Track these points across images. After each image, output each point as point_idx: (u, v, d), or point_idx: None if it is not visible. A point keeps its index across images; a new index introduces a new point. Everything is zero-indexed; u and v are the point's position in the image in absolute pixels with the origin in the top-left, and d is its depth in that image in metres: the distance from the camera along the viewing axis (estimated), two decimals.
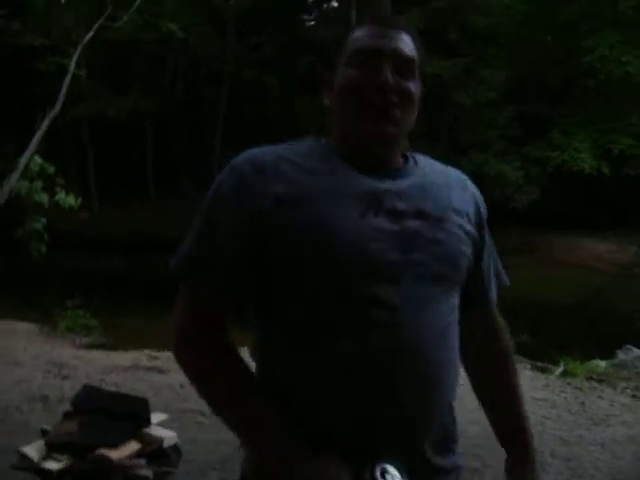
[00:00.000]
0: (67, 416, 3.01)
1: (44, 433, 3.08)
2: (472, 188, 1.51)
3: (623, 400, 5.69)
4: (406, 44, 1.35)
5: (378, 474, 1.23)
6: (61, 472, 2.77)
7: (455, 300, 1.39)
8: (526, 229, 19.64)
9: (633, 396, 5.83)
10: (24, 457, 2.90)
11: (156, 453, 2.93)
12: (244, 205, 1.29)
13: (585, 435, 4.71)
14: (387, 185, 1.34)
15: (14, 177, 8.45)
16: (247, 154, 1.35)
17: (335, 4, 25.16)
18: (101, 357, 6.65)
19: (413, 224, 1.31)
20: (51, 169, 8.59)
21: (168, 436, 3.02)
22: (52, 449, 2.87)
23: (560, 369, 6.66)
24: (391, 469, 1.23)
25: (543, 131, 21.01)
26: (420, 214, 1.33)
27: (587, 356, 7.23)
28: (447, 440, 1.40)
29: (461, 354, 1.43)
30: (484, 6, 22.76)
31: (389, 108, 1.31)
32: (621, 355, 7.39)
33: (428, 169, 1.45)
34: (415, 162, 1.45)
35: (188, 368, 1.35)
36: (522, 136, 21.49)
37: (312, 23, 28.27)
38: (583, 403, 5.50)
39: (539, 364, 6.87)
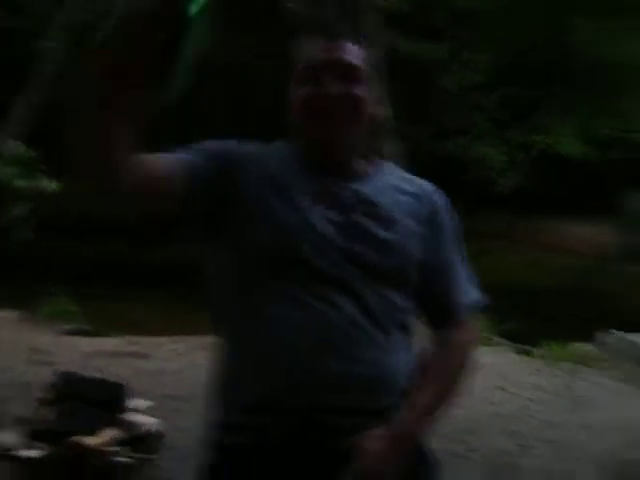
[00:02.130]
0: (45, 403, 2.96)
1: (22, 420, 3.03)
2: (434, 196, 1.56)
3: (608, 383, 5.71)
4: (350, 52, 1.45)
5: None
6: (39, 460, 2.72)
7: (402, 298, 1.46)
8: (510, 213, 19.67)
9: (618, 379, 5.85)
10: (1, 445, 2.84)
11: (136, 440, 2.89)
12: (222, 160, 1.43)
13: (570, 418, 4.71)
14: (340, 187, 1.45)
15: None
16: (237, 145, 1.50)
17: None
18: (83, 343, 6.59)
19: (360, 219, 1.42)
20: (32, 154, 8.50)
21: (148, 422, 2.97)
22: (30, 436, 2.82)
23: (545, 353, 6.67)
24: None
25: (528, 115, 20.99)
26: (370, 212, 1.44)
27: (572, 339, 7.24)
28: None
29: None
30: None
31: (335, 114, 1.41)
32: (605, 338, 7.41)
33: (391, 177, 1.54)
34: (380, 170, 1.55)
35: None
36: (507, 120, 21.47)
37: None
38: (568, 386, 5.52)
39: (523, 347, 6.88)
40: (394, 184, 1.52)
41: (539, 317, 10.22)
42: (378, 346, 1.40)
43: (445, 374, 1.53)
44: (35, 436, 2.79)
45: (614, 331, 7.39)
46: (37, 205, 9.10)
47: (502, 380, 5.46)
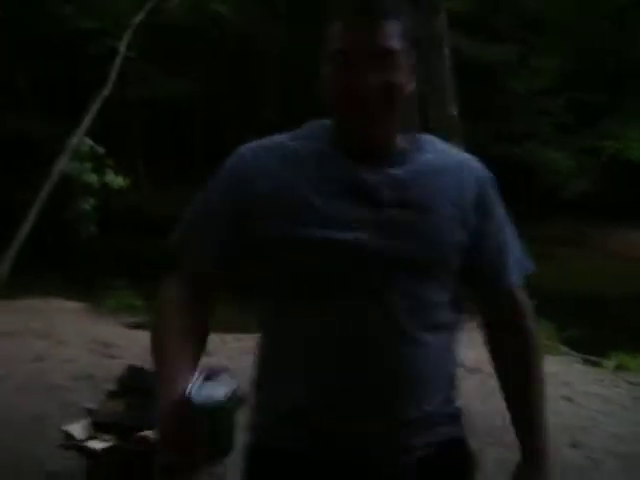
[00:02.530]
0: (112, 395, 2.99)
1: (89, 412, 3.06)
2: (477, 172, 1.49)
3: None
4: (386, 34, 1.35)
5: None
6: (105, 451, 2.75)
7: (437, 292, 1.41)
8: (578, 219, 19.24)
9: None
10: (69, 436, 2.88)
11: None
12: (233, 196, 1.42)
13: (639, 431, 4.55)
14: (374, 174, 1.38)
15: (64, 158, 8.54)
16: (245, 148, 1.46)
17: None
18: (146, 337, 6.54)
19: (393, 213, 1.36)
20: (101, 150, 8.65)
21: None
22: (97, 428, 2.85)
23: (612, 363, 6.48)
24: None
25: (597, 120, 20.51)
26: (403, 203, 1.37)
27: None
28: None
29: (487, 347, 1.57)
30: None
31: (368, 113, 1.35)
32: None
33: (430, 155, 1.45)
34: (419, 147, 1.46)
35: (158, 297, 1.49)
36: (575, 124, 21.02)
37: None
38: (637, 399, 5.34)
39: (591, 358, 6.70)
40: (434, 164, 1.44)
41: (607, 327, 9.95)
42: (404, 356, 1.37)
43: (532, 368, 1.54)
44: (102, 428, 2.82)
45: None
46: (104, 200, 9.27)
47: (569, 390, 5.32)
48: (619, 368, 6.34)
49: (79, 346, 6.04)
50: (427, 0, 7.65)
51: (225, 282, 1.49)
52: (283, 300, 1.42)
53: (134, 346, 6.08)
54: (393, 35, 1.35)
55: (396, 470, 1.40)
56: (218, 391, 1.24)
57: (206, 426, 1.22)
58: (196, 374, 1.27)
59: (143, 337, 6.67)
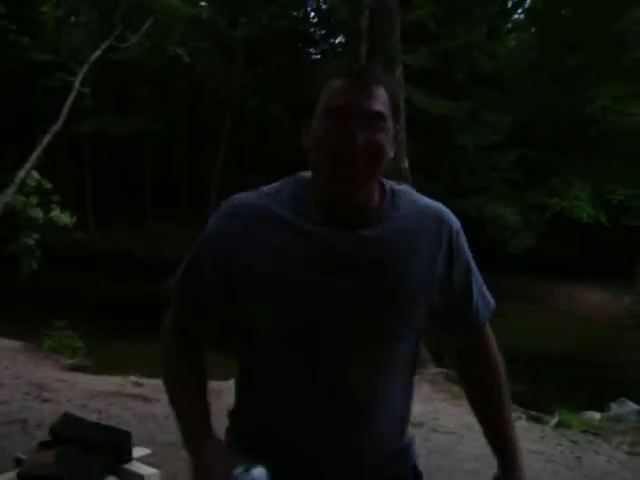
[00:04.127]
0: (43, 446, 2.84)
1: (18, 462, 2.90)
2: (449, 224, 1.57)
3: (620, 456, 5.52)
4: (376, 98, 1.45)
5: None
6: None
7: (404, 349, 1.52)
8: (524, 274, 19.55)
9: (629, 453, 5.66)
10: None
11: None
12: (212, 259, 1.53)
13: None
14: (348, 236, 1.45)
15: (10, 191, 8.34)
16: (225, 208, 1.55)
17: (342, 40, 25.35)
18: (85, 381, 6.46)
19: (364, 279, 1.44)
20: (48, 185, 8.48)
21: (149, 473, 2.85)
22: None
23: (555, 420, 6.49)
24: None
25: (544, 177, 21.03)
26: (376, 267, 1.45)
27: (582, 407, 7.08)
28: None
29: (460, 378, 1.73)
30: (491, 50, 22.94)
31: (352, 170, 1.42)
32: (615, 408, 7.24)
33: (404, 210, 1.53)
34: (392, 201, 1.54)
35: (160, 355, 1.62)
36: (523, 181, 21.51)
37: (318, 57, 28.45)
38: (579, 458, 5.33)
39: (533, 414, 6.70)
40: (407, 224, 1.52)
41: (550, 383, 10.05)
42: (370, 424, 1.49)
43: (503, 387, 1.66)
44: None
45: (625, 400, 7.23)
46: (48, 237, 9.05)
47: None
48: (561, 425, 6.34)
49: (14, 388, 5.80)
50: (384, 53, 7.78)
51: (209, 330, 1.63)
52: (260, 349, 1.51)
53: (71, 390, 5.88)
54: (382, 101, 1.46)
55: None
56: None
57: None
58: (239, 467, 1.37)
59: (80, 380, 6.48)
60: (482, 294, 1.64)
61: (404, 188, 1.60)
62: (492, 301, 1.67)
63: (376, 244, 1.46)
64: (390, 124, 1.48)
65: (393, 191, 1.56)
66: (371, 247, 1.46)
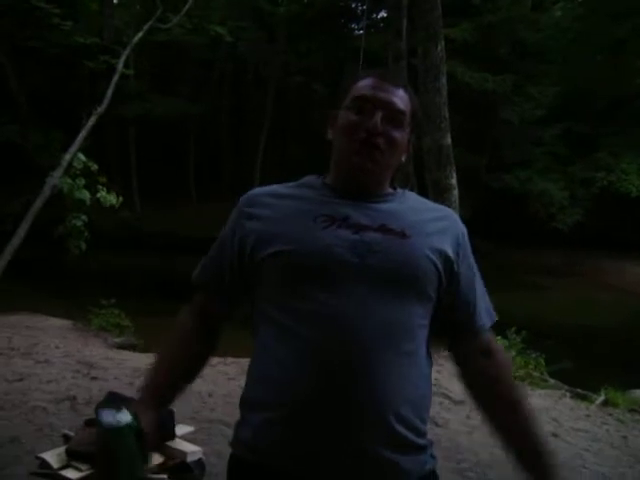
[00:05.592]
0: (89, 423, 2.91)
1: (66, 439, 2.98)
2: (457, 222, 1.70)
3: None
4: (400, 98, 1.62)
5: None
6: None
7: (414, 308, 1.55)
8: (570, 250, 19.28)
9: None
10: (44, 463, 2.80)
11: (179, 468, 2.81)
12: (235, 235, 1.66)
13: (628, 473, 4.48)
14: (359, 206, 1.59)
15: (57, 174, 8.48)
16: (248, 194, 1.70)
17: (384, 14, 25.05)
18: (131, 358, 6.59)
19: (372, 235, 1.54)
20: (94, 167, 8.59)
21: (192, 450, 2.89)
22: (72, 457, 2.77)
23: (601, 398, 6.41)
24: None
25: (590, 151, 20.61)
26: (382, 228, 1.56)
27: (630, 385, 6.97)
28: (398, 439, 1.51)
29: (463, 381, 1.71)
30: (535, 22, 22.45)
31: (372, 149, 1.57)
32: None
33: (411, 202, 1.68)
34: (403, 195, 1.69)
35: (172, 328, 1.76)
36: (568, 155, 21.12)
37: (361, 32, 28.22)
38: (625, 437, 5.26)
39: (579, 391, 6.63)
40: (415, 206, 1.67)
41: (596, 359, 9.90)
42: (372, 377, 1.48)
43: (503, 381, 1.66)
44: (78, 457, 2.74)
45: None
46: (95, 217, 9.19)
47: (556, 426, 5.25)
48: (607, 404, 6.26)
49: (63, 366, 5.95)
50: (425, 28, 7.69)
51: (229, 315, 1.76)
52: (268, 300, 1.58)
53: (118, 368, 6.00)
54: (404, 102, 1.63)
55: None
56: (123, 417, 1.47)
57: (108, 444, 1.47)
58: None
59: (128, 358, 6.60)
60: (485, 300, 1.71)
61: (413, 193, 1.75)
62: (494, 313, 1.73)
63: (388, 214, 1.60)
64: (407, 126, 1.63)
65: (403, 191, 1.71)
66: (384, 215, 1.59)
